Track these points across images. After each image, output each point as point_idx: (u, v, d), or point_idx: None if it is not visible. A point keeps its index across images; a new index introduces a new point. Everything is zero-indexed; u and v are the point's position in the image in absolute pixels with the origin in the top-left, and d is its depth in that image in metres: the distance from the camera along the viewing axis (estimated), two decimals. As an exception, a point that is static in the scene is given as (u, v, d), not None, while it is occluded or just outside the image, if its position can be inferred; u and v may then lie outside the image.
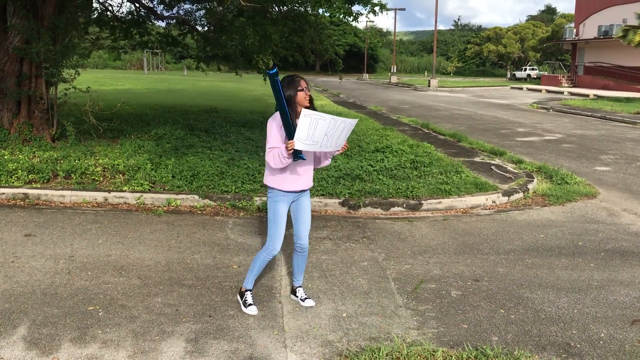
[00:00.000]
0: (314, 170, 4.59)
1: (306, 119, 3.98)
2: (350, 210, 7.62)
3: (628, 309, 4.77)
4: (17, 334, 4.03)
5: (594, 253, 6.20)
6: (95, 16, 12.88)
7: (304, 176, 4.41)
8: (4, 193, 7.65)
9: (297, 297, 4.69)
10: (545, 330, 4.35)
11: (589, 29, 45.72)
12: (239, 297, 4.65)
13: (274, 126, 4.22)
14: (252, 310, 4.50)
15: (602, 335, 4.30)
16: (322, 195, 7.80)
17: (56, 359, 3.73)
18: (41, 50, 9.30)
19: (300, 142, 4.05)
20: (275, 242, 4.42)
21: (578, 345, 4.13)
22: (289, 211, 4.51)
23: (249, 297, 4.58)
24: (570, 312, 4.69)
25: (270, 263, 5.38)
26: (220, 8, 11.86)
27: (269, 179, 4.41)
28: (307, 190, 4.53)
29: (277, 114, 4.20)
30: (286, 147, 4.08)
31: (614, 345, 4.14)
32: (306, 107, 4.18)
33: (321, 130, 4.04)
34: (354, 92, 38.09)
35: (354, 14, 9.66)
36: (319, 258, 5.81)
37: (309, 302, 4.65)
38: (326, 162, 4.53)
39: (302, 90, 4.23)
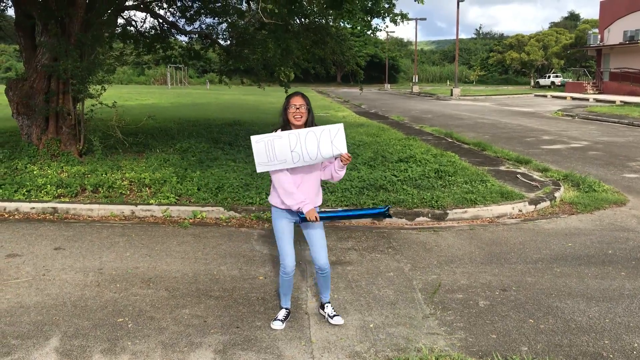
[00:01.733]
0: (332, 182, 4.55)
1: (258, 145, 4.12)
2: (375, 221, 7.60)
3: (661, 318, 4.67)
4: (50, 345, 4.09)
5: (624, 261, 6.09)
6: (119, 31, 13.12)
7: (305, 194, 4.31)
8: (34, 207, 7.80)
9: (325, 312, 4.65)
10: (576, 341, 4.28)
11: (614, 35, 45.14)
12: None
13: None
14: (275, 324, 4.48)
15: (636, 345, 4.21)
16: (346, 205, 7.80)
17: (87, 371, 3.77)
18: (69, 67, 9.50)
19: (261, 166, 4.15)
20: (284, 260, 4.39)
21: (611, 356, 4.05)
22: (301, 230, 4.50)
23: (280, 313, 4.59)
24: (601, 321, 4.61)
25: (296, 273, 5.38)
26: (242, 22, 12.00)
27: (270, 197, 4.47)
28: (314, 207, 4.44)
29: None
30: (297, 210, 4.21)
31: (647, 355, 4.06)
32: (298, 126, 4.24)
33: (282, 148, 4.10)
34: (376, 103, 38.09)
35: (372, 28, 9.73)
36: (344, 269, 5.80)
37: (338, 320, 4.56)
38: (338, 176, 4.38)
39: (291, 108, 4.23)
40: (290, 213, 4.39)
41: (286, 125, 4.31)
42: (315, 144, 4.11)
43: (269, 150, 4.11)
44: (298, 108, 4.23)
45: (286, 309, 4.61)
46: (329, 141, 4.13)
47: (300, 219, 4.26)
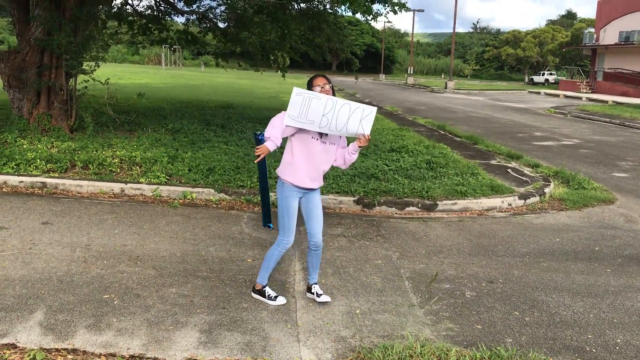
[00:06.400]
0: (344, 168, 4.59)
1: (297, 97, 4.11)
2: (365, 209, 7.60)
3: (645, 315, 4.72)
4: (34, 319, 4.07)
5: (610, 259, 6.14)
6: (115, 10, 12.96)
7: (317, 175, 4.38)
8: (22, 181, 7.73)
9: (313, 291, 4.68)
10: (560, 334, 4.31)
11: (610, 35, 45.24)
12: (257, 296, 4.63)
13: (278, 119, 4.26)
14: (281, 300, 4.55)
15: (619, 340, 4.26)
16: (337, 192, 7.80)
17: (71, 345, 3.76)
18: (62, 41, 9.39)
19: (291, 118, 4.14)
20: (289, 236, 4.43)
21: (593, 350, 4.09)
22: (299, 205, 4.50)
23: (270, 291, 4.62)
24: (586, 316, 4.65)
25: (283, 257, 5.39)
26: (241, 3, 11.89)
27: (281, 170, 4.42)
28: (317, 188, 4.51)
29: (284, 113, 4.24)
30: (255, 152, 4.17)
31: (630, 352, 4.10)
32: None
33: (316, 109, 4.11)
34: (370, 93, 38.02)
35: (374, 13, 9.63)
36: (333, 255, 5.81)
37: (325, 298, 4.64)
38: (350, 159, 4.40)
39: (316, 89, 4.27)
40: (300, 190, 4.40)
41: None
42: (346, 117, 4.16)
43: (304, 106, 4.11)
44: (322, 87, 4.28)
45: (267, 285, 4.65)
46: (358, 119, 4.19)
47: (256, 140, 4.21)
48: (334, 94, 4.32)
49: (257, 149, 4.14)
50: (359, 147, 4.29)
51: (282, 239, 4.44)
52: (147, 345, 3.82)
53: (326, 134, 4.30)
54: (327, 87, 4.30)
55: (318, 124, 4.15)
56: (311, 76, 4.46)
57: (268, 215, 4.61)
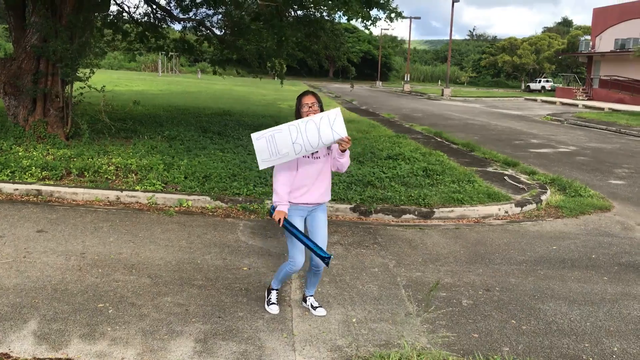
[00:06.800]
0: (339, 174, 4.54)
1: (259, 141, 4.07)
2: (362, 216, 7.59)
3: (642, 323, 4.71)
4: (28, 328, 4.04)
5: (607, 266, 6.13)
6: (111, 18, 12.94)
7: (317, 189, 4.34)
8: (17, 189, 7.70)
9: (308, 303, 4.65)
10: (557, 343, 4.29)
11: (606, 42, 45.43)
12: (265, 293, 4.73)
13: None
14: (274, 309, 4.53)
15: (615, 349, 4.24)
16: (334, 200, 7.78)
17: (65, 355, 3.73)
18: (58, 48, 9.37)
19: (264, 162, 4.10)
20: (296, 256, 4.37)
21: (590, 359, 4.07)
22: (306, 223, 4.47)
23: (273, 296, 4.63)
24: (582, 325, 4.63)
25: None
26: (237, 11, 11.91)
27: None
28: (322, 204, 4.46)
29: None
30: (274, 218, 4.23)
31: (627, 360, 4.08)
32: None
33: (284, 142, 4.06)
34: (367, 100, 38.08)
35: (372, 19, 9.64)
36: (329, 263, 5.77)
37: (320, 311, 4.58)
38: (340, 164, 4.31)
39: (304, 107, 4.24)
40: (303, 209, 4.37)
41: None
42: (316, 132, 4.06)
43: (270, 145, 4.06)
44: (311, 107, 4.24)
45: (277, 290, 4.67)
46: (328, 127, 4.08)
47: (270, 214, 4.25)
48: (322, 111, 4.24)
49: (273, 219, 4.23)
50: (342, 150, 4.21)
51: (290, 260, 4.40)
52: (141, 354, 3.79)
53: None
54: (316, 106, 4.23)
55: (294, 152, 4.09)
56: (301, 92, 4.42)
57: (320, 248, 4.36)
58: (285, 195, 4.23)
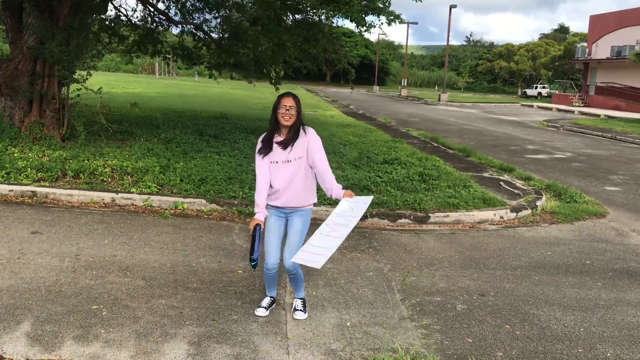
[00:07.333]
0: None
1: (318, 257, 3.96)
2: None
3: (635, 329, 4.72)
4: (21, 329, 4.02)
5: (601, 272, 6.14)
6: (108, 22, 12.91)
7: (290, 193, 4.34)
8: (12, 190, 7.68)
9: (293, 306, 4.66)
10: (550, 348, 4.30)
11: (602, 49, 45.62)
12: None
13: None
14: (261, 312, 4.52)
15: (609, 355, 4.25)
16: (329, 204, 7.78)
17: (58, 356, 3.71)
18: (55, 50, 9.36)
19: (320, 257, 3.97)
20: (267, 257, 4.37)
21: (584, 364, 4.08)
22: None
23: (264, 300, 4.64)
24: (576, 330, 4.64)
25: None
26: (235, 15, 11.92)
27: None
28: (300, 208, 4.43)
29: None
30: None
31: (620, 366, 4.09)
32: (286, 127, 4.27)
33: (319, 239, 4.09)
34: (364, 104, 38.13)
35: (367, 24, 9.67)
36: (324, 266, 5.76)
37: (299, 315, 4.54)
38: (329, 194, 4.44)
39: (282, 109, 4.24)
40: (280, 210, 4.40)
41: (275, 124, 4.30)
42: (343, 227, 4.15)
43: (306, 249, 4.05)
44: (288, 110, 4.23)
45: (271, 297, 4.66)
46: (351, 207, 4.28)
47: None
48: (299, 116, 4.27)
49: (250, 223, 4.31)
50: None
51: (265, 260, 4.41)
52: (135, 357, 3.78)
53: (288, 154, 4.32)
54: (293, 110, 4.23)
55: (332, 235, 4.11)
56: (280, 93, 4.42)
57: (254, 251, 4.25)
58: (260, 202, 4.31)
